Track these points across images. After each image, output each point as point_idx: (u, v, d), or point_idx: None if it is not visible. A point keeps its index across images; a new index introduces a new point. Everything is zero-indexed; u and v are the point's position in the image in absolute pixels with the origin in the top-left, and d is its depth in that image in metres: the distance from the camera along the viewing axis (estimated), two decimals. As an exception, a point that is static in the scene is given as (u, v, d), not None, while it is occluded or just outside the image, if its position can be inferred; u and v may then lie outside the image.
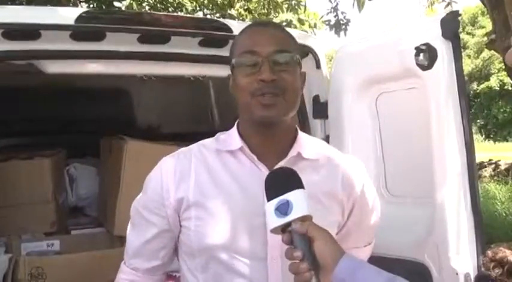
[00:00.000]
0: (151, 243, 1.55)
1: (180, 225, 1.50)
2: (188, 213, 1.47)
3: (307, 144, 1.53)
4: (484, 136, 26.91)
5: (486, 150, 15.68)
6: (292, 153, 1.48)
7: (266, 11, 8.18)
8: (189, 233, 1.48)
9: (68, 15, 2.20)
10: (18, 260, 2.82)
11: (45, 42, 2.16)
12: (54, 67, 2.28)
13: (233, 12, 8.08)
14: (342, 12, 6.87)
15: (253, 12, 8.34)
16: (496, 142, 25.47)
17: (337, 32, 6.74)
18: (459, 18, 2.10)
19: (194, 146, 1.56)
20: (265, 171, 1.44)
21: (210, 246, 1.46)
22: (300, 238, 1.19)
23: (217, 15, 7.90)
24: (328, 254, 1.17)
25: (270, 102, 1.41)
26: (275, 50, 1.43)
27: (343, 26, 6.76)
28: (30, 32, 2.13)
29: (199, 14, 8.30)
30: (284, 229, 1.21)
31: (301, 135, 1.54)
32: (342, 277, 1.13)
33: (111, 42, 2.27)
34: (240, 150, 1.49)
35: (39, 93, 3.33)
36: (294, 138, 1.51)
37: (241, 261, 1.45)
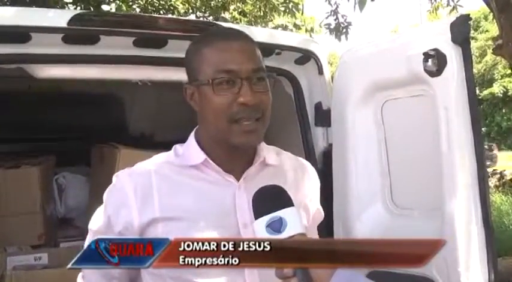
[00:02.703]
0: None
1: None
2: (154, 230, 1.43)
3: (267, 151, 1.55)
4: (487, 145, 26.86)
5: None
6: (258, 160, 1.50)
7: (262, 14, 8.21)
8: None
9: (60, 17, 2.18)
10: (5, 275, 2.79)
11: (36, 46, 2.13)
12: (45, 72, 2.26)
13: (227, 15, 8.11)
14: (343, 16, 6.83)
15: (248, 15, 8.39)
16: (500, 151, 25.59)
17: (338, 36, 6.69)
18: (469, 22, 2.07)
19: (150, 162, 1.51)
20: (233, 182, 1.45)
21: None
22: None
23: (210, 18, 7.93)
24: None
25: (251, 128, 1.40)
26: (253, 68, 1.40)
27: (344, 30, 6.71)
28: (20, 34, 2.09)
29: (192, 17, 8.36)
30: None
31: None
32: None
33: (105, 46, 2.24)
34: (202, 164, 1.47)
35: (28, 98, 3.29)
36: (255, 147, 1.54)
37: (217, 276, 1.41)
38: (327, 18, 6.79)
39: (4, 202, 3.16)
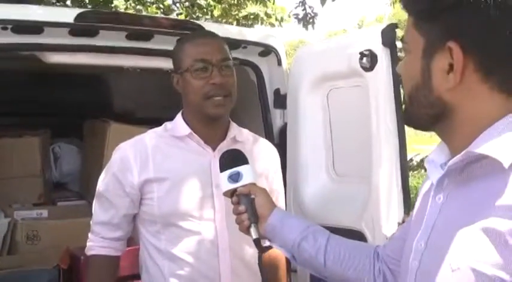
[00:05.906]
0: (116, 220, 1.77)
1: (141, 199, 1.73)
2: (151, 187, 1.71)
3: (237, 130, 1.81)
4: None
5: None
6: (229, 136, 1.77)
7: (236, 2, 8.12)
8: (152, 203, 1.70)
9: (68, 14, 2.35)
10: (17, 223, 3.02)
11: (47, 37, 2.29)
12: (54, 58, 2.42)
13: (202, 2, 8.03)
14: (310, 6, 6.75)
15: (223, 2, 8.26)
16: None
17: (305, 26, 6.57)
18: (396, 29, 2.27)
19: (146, 135, 1.80)
20: (210, 151, 1.73)
21: (170, 212, 1.70)
22: (244, 197, 1.42)
23: (187, 4, 7.87)
24: (265, 206, 1.40)
25: (220, 102, 1.69)
26: (221, 58, 1.71)
27: (311, 20, 6.62)
28: (35, 27, 2.26)
29: (169, 2, 8.23)
30: (233, 193, 1.44)
31: (232, 123, 1.85)
32: (274, 224, 1.37)
33: (103, 39, 2.42)
34: (187, 136, 1.75)
35: (29, 78, 3.44)
36: (228, 126, 1.82)
37: (194, 223, 1.72)
38: (295, 8, 6.76)
39: (9, 166, 3.35)
